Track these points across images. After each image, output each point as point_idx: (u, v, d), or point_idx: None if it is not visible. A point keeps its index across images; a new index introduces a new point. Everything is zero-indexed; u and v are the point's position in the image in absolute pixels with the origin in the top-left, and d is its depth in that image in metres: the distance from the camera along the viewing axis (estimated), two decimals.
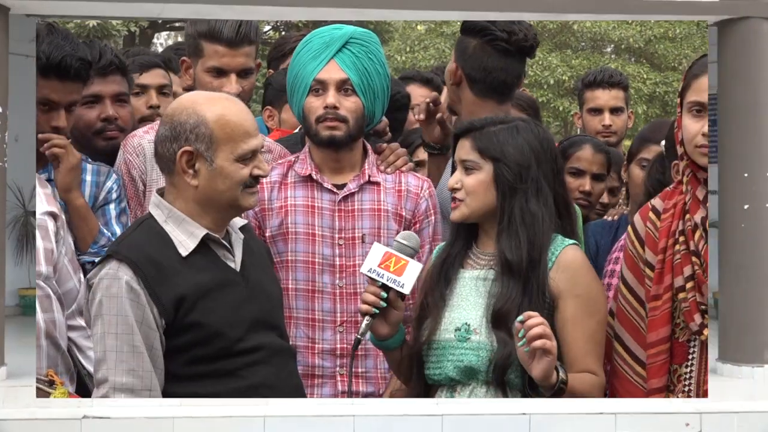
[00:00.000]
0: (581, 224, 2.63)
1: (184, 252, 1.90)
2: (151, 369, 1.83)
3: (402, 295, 2.08)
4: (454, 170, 2.23)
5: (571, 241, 2.15)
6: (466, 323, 2.05)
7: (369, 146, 2.57)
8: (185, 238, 1.90)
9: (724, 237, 5.12)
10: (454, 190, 2.14)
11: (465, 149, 2.15)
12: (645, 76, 9.48)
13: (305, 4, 4.45)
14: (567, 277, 2.06)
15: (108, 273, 1.86)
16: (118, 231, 2.46)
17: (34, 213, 7.73)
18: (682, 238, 2.16)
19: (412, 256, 2.07)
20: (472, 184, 2.10)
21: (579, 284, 2.06)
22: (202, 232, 1.92)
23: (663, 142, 2.93)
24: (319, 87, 2.36)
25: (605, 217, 3.35)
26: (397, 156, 2.58)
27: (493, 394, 2.07)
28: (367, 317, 2.06)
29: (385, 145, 2.67)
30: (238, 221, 2.07)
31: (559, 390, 1.93)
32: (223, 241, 1.99)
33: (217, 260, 1.96)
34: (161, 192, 2.02)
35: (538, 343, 1.84)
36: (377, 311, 2.05)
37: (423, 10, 4.44)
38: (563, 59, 10.13)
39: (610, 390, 2.27)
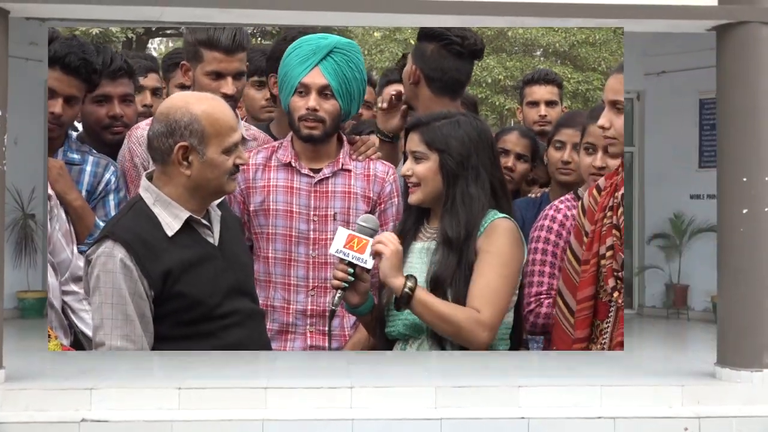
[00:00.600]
0: None
1: (170, 232, 2.19)
2: (141, 334, 2.15)
3: (366, 270, 2.40)
4: (405, 159, 2.58)
5: (503, 215, 2.47)
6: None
7: (344, 138, 2.95)
8: (171, 220, 2.20)
9: (723, 241, 5.13)
10: (406, 176, 2.51)
11: (414, 141, 2.50)
12: (569, 76, 10.99)
13: (300, 8, 4.46)
14: (486, 238, 2.41)
15: (104, 251, 2.13)
16: None
17: (33, 215, 7.78)
18: (609, 213, 2.42)
19: (371, 236, 2.40)
20: (421, 172, 2.46)
21: (492, 243, 2.39)
22: (185, 214, 2.22)
23: (578, 129, 3.27)
24: (303, 89, 2.73)
25: (529, 194, 3.72)
26: (367, 147, 2.95)
27: (433, 346, 2.49)
28: (338, 291, 2.41)
29: (358, 137, 3.03)
30: (217, 201, 2.38)
31: (407, 297, 2.30)
32: (204, 221, 2.28)
33: (199, 238, 2.26)
34: (150, 176, 2.28)
35: (377, 246, 2.31)
36: (347, 285, 2.39)
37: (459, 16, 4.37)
38: (499, 61, 11.71)
39: (551, 336, 2.73)
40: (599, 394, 4.79)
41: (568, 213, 3.00)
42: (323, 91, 2.74)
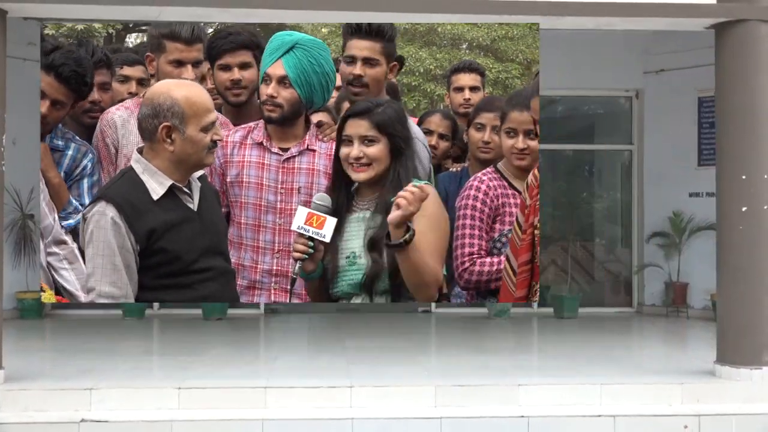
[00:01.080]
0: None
1: (155, 197, 2.57)
2: (127, 282, 2.51)
3: (324, 243, 2.79)
4: (338, 142, 2.93)
5: (425, 181, 2.85)
6: (353, 252, 2.86)
7: (312, 121, 3.31)
8: (156, 186, 2.58)
9: (722, 239, 5.13)
10: (358, 158, 2.84)
11: (364, 127, 2.84)
12: (491, 66, 13.16)
13: (295, 7, 4.46)
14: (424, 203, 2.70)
15: (98, 210, 2.51)
16: (89, 199, 3.20)
17: (32, 216, 7.78)
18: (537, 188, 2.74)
19: (327, 213, 2.78)
20: (374, 153, 2.82)
21: (427, 208, 2.72)
22: (169, 182, 2.60)
23: (497, 114, 3.61)
24: (267, 78, 3.14)
25: (451, 169, 4.14)
26: (332, 129, 3.28)
27: (366, 298, 2.87)
28: (299, 262, 2.81)
29: (325, 120, 3.45)
30: (197, 172, 2.76)
31: (405, 243, 2.64)
32: (185, 189, 2.66)
33: (180, 203, 2.64)
34: (140, 150, 2.65)
35: (398, 200, 2.60)
36: (307, 256, 2.78)
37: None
38: (430, 53, 13.47)
39: (499, 292, 3.15)
40: (599, 392, 4.80)
41: (491, 184, 3.37)
42: (282, 81, 3.11)
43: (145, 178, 2.59)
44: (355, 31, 3.35)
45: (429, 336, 7.79)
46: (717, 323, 5.23)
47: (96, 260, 2.50)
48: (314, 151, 3.24)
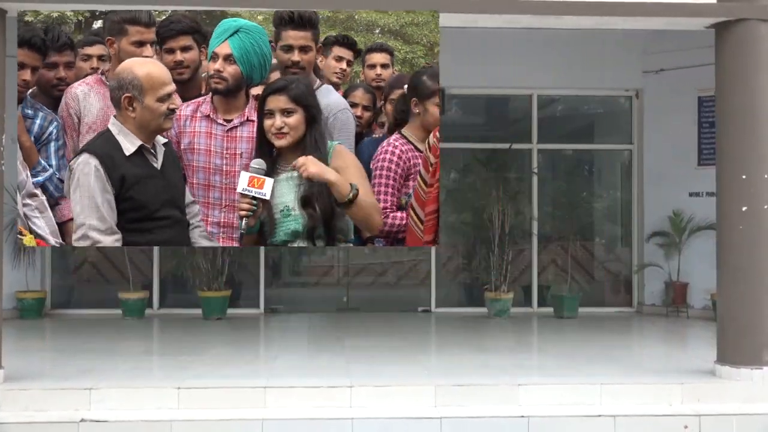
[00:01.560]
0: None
1: (127, 153, 3.14)
2: (110, 218, 3.06)
3: (265, 201, 3.28)
4: (261, 116, 3.44)
5: (338, 141, 3.52)
6: (286, 206, 3.36)
7: (251, 96, 3.75)
8: (129, 145, 3.15)
9: (722, 238, 5.12)
10: (279, 128, 3.36)
11: (282, 101, 3.34)
12: (400, 48, 15.75)
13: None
14: (340, 159, 3.37)
15: (82, 160, 3.05)
16: (55, 162, 3.86)
17: None
18: None
19: (265, 175, 3.29)
20: (292, 122, 3.34)
21: (345, 159, 3.38)
22: (138, 142, 3.16)
23: (405, 87, 4.10)
24: (214, 56, 3.62)
25: (373, 135, 4.61)
26: None
27: (306, 244, 3.38)
28: (244, 219, 3.29)
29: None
30: (162, 139, 3.33)
31: (356, 195, 3.25)
32: (151, 150, 3.23)
33: (147, 162, 3.20)
34: (115, 116, 3.22)
35: (306, 174, 3.24)
36: (251, 214, 3.27)
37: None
38: (352, 36, 16.78)
39: (406, 236, 3.65)
40: (599, 392, 4.80)
41: (403, 148, 3.88)
42: (227, 58, 3.58)
43: (119, 138, 3.15)
44: (288, 22, 3.82)
45: (429, 335, 7.79)
46: (717, 323, 5.23)
47: (83, 201, 3.05)
48: (253, 121, 3.67)
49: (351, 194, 3.26)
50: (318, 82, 4.06)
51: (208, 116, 3.71)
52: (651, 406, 4.77)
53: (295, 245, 3.42)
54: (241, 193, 3.29)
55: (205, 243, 3.51)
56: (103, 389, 4.66)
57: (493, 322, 8.17)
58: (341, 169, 3.34)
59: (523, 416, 4.61)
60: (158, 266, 8.85)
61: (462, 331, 7.69)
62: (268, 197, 3.28)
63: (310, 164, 3.26)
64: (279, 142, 3.39)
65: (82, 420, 4.46)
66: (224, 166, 3.68)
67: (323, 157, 3.35)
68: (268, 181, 3.29)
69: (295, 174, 3.36)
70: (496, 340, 7.27)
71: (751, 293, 4.94)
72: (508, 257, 8.47)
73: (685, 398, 4.80)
